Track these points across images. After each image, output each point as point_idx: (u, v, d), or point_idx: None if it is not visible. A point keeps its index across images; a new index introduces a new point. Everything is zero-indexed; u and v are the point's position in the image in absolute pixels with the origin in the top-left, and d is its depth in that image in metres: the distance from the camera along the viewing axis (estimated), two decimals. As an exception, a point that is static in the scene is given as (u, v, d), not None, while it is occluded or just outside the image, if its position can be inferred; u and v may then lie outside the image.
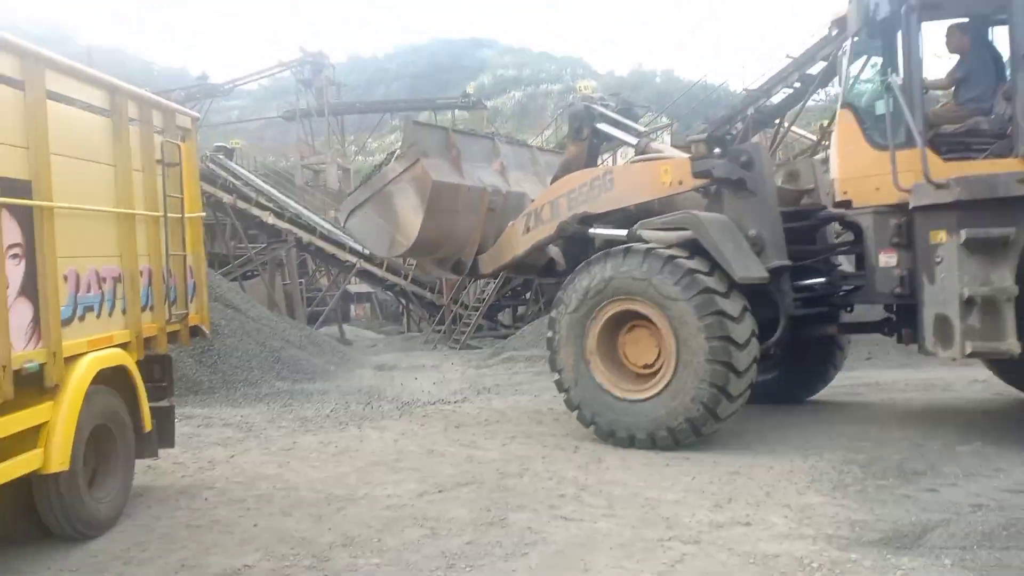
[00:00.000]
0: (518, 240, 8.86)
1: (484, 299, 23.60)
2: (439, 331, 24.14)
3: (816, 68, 14.88)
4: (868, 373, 11.22)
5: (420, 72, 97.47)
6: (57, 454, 4.67)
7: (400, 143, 10.42)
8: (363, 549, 4.72)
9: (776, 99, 16.61)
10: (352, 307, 37.95)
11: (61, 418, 4.72)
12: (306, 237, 24.99)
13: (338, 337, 24.25)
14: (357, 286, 31.95)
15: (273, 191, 30.55)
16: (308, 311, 26.80)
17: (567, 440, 7.46)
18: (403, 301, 27.73)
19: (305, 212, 28.07)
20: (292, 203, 29.24)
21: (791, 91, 15.84)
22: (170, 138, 6.31)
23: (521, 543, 4.71)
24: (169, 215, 6.16)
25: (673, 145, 11.66)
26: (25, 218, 4.54)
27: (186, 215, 6.48)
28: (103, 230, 5.42)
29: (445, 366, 17.33)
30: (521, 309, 26.75)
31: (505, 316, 26.84)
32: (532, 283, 24.74)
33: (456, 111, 47.35)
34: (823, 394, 9.26)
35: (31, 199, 4.56)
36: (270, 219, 24.66)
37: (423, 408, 9.99)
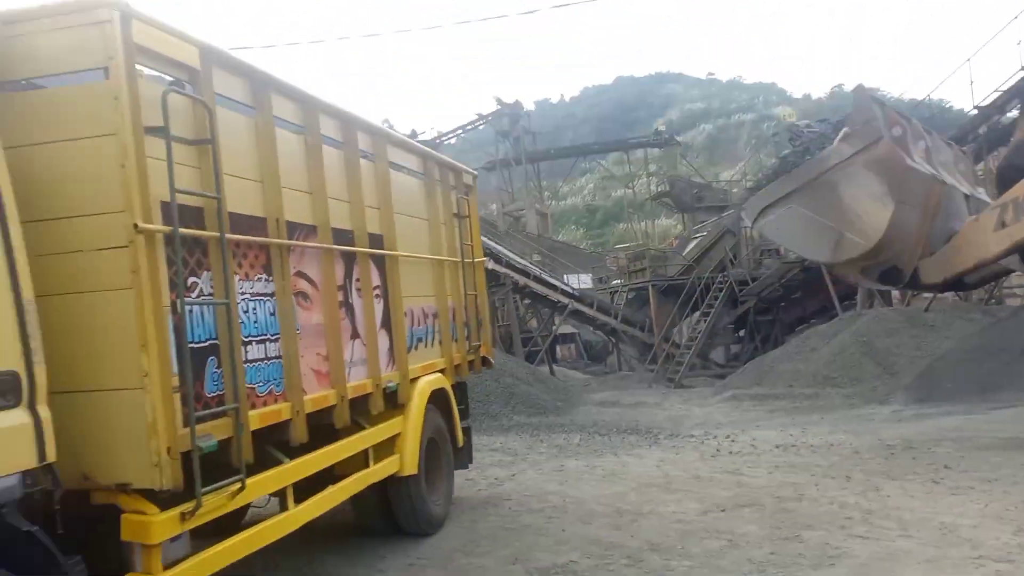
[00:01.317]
0: (987, 239, 7.25)
1: (696, 337, 23.57)
2: (651, 370, 24.34)
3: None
4: None
5: (606, 114, 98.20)
6: (409, 460, 5.56)
7: (847, 123, 8.32)
8: (671, 553, 5.17)
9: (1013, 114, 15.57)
10: (557, 348, 38.97)
11: (410, 429, 5.62)
12: (521, 280, 26.23)
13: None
14: (562, 327, 32.95)
15: (486, 239, 32.36)
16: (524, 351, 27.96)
17: (834, 470, 7.51)
18: (613, 340, 28.20)
19: (517, 258, 29.49)
20: (505, 249, 30.82)
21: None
22: (461, 194, 7.29)
23: (824, 556, 4.95)
24: (464, 260, 7.10)
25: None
26: (381, 265, 5.53)
27: (474, 260, 7.41)
28: (423, 274, 6.38)
29: (667, 403, 17.53)
30: (735, 348, 26.33)
31: (717, 355, 26.53)
32: (746, 321, 24.43)
33: (648, 149, 47.57)
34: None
35: (384, 250, 5.55)
36: (490, 264, 26.18)
37: (670, 440, 10.34)
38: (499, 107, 48.66)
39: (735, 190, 39.55)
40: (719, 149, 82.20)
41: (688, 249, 26.56)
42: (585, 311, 25.59)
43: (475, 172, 8.16)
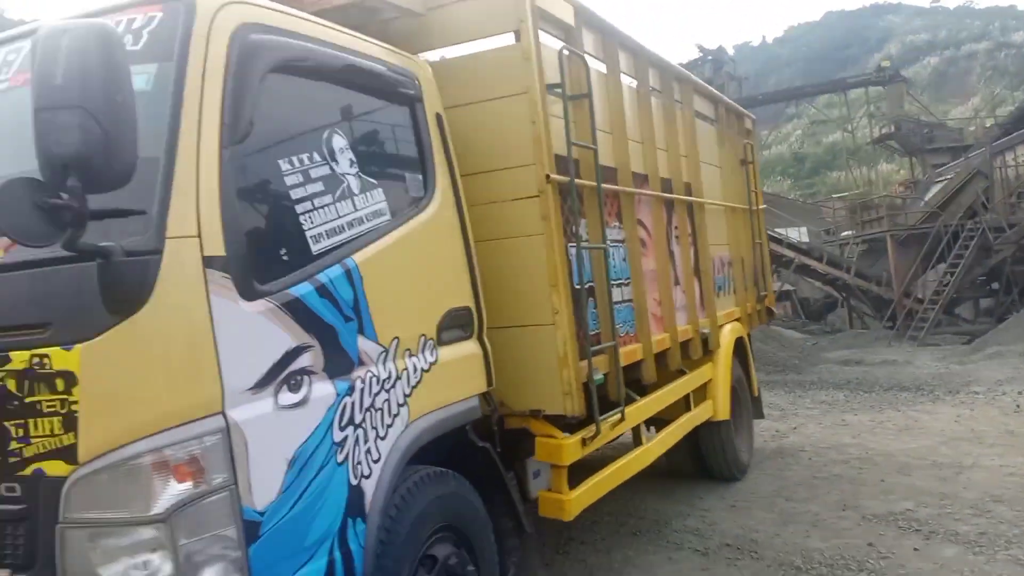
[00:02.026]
0: None
1: (942, 292, 21.69)
2: (889, 327, 22.74)
3: None
4: None
5: (814, 54, 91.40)
6: (722, 405, 5.65)
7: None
8: (1018, 504, 4.88)
9: None
10: (774, 307, 37.42)
11: (721, 376, 5.70)
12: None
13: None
14: (776, 284, 31.52)
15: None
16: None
17: None
18: (843, 296, 26.59)
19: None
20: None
21: None
22: (745, 139, 7.17)
23: None
24: (751, 208, 7.01)
25: None
26: (691, 214, 5.60)
27: (758, 207, 7.29)
28: (719, 223, 6.38)
29: (918, 361, 16.37)
30: (984, 302, 24.02)
31: (965, 311, 24.31)
32: (1001, 272, 22.11)
33: (868, 88, 43.68)
34: None
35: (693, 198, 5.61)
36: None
37: (951, 396, 9.67)
38: (701, 54, 46.86)
39: (971, 128, 35.60)
40: (947, 84, 74.17)
41: (930, 195, 24.41)
42: (814, 266, 24.31)
43: (754, 116, 7.97)
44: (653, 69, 5.01)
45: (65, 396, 2.05)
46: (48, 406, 2.07)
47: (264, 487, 2.20)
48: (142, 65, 2.21)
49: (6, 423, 2.12)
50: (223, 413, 2.13)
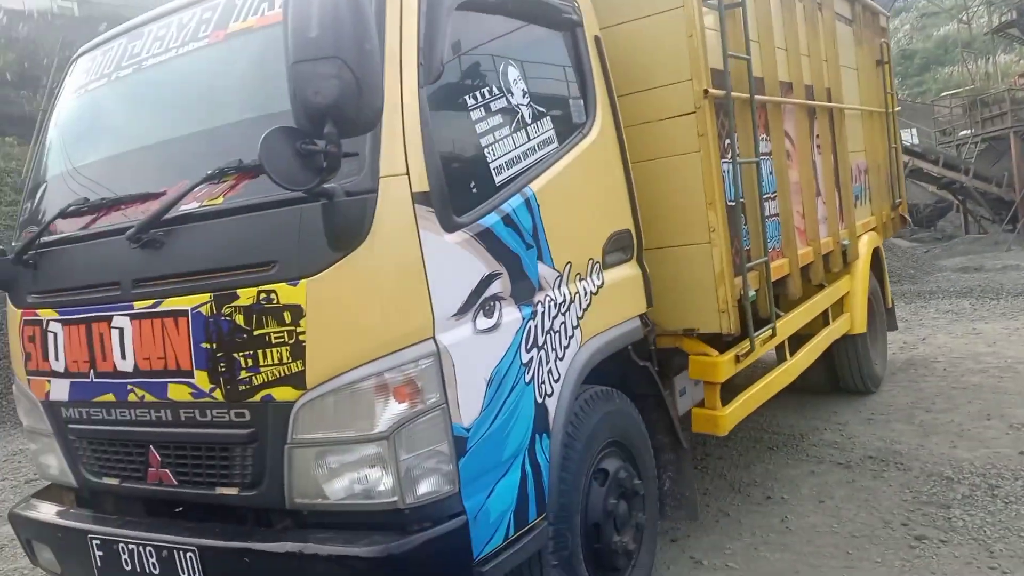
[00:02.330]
0: None
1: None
2: (1010, 230, 21.47)
3: None
4: None
5: None
6: (859, 319, 5.55)
7: None
8: None
9: None
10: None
11: (858, 288, 5.58)
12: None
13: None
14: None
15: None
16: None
17: None
18: (960, 199, 25.15)
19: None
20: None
21: None
22: (880, 38, 6.76)
23: None
24: (885, 111, 6.67)
25: None
26: (831, 121, 5.37)
27: (894, 110, 6.92)
28: (856, 128, 6.10)
29: (1045, 266, 15.50)
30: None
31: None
32: None
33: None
34: None
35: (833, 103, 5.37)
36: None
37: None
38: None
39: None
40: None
41: (1060, 86, 22.54)
42: (928, 168, 23.01)
43: (888, 13, 7.48)
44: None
45: (293, 327, 2.22)
46: (276, 337, 2.24)
47: (469, 406, 2.34)
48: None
49: (235, 354, 2.31)
50: (434, 338, 2.26)
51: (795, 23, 4.58)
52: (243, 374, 2.31)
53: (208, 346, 2.34)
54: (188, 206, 2.39)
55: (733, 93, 3.60)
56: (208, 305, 2.33)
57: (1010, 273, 14.67)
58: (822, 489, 4.30)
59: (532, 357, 2.63)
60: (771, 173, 4.22)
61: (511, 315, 2.56)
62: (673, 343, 3.63)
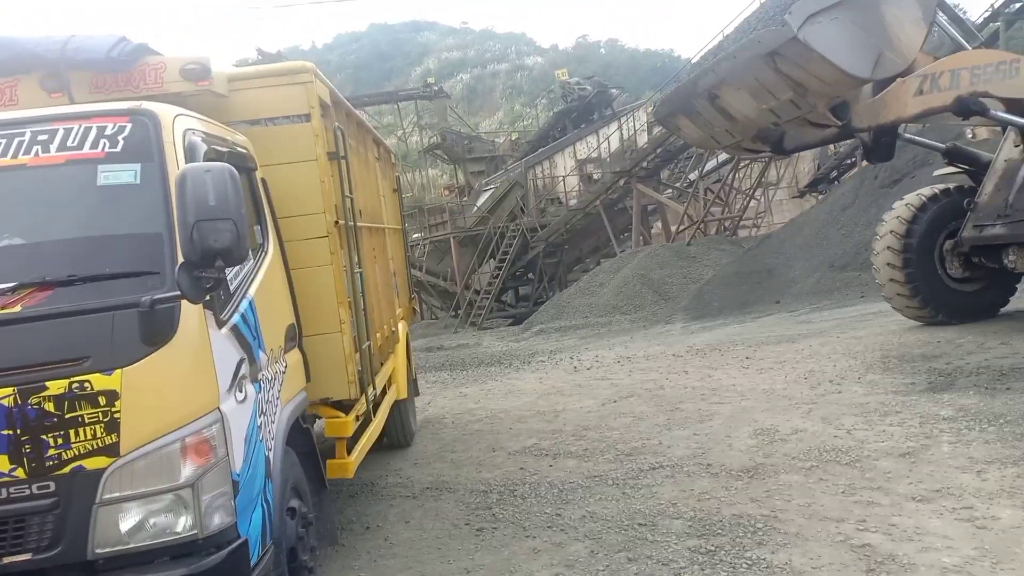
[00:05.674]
0: (908, 101, 8.04)
1: (494, 283, 26.18)
2: (455, 316, 26.65)
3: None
4: None
5: (362, 62, 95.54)
6: (402, 387, 7.24)
7: None
8: (600, 429, 7.38)
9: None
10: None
11: (400, 363, 7.31)
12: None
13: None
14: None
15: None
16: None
17: (672, 368, 10.21)
18: (416, 291, 29.99)
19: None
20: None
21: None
22: (394, 172, 8.82)
23: (702, 415, 7.43)
24: (402, 227, 8.70)
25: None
26: (381, 237, 7.04)
27: (404, 226, 9.02)
28: (389, 242, 7.92)
29: (485, 343, 19.84)
30: (524, 289, 29.31)
31: (508, 297, 29.44)
32: (535, 265, 27.51)
33: (419, 101, 48.17)
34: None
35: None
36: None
37: (526, 365, 12.63)
38: (260, 58, 47.15)
39: (499, 139, 42.43)
40: (477, 99, 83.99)
41: (481, 201, 29.00)
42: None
43: (394, 151, 9.57)
44: (354, 124, 6.34)
45: (108, 408, 2.79)
46: (91, 417, 2.78)
47: (238, 457, 3.16)
48: (126, 164, 3.00)
49: (43, 436, 2.75)
50: (219, 408, 3.05)
51: (366, 166, 6.14)
52: (51, 452, 2.75)
53: (9, 432, 2.72)
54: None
55: (340, 221, 4.93)
56: (11, 397, 2.72)
57: (465, 350, 18.45)
58: (403, 514, 5.72)
59: (262, 421, 3.51)
60: (363, 278, 5.62)
61: (251, 390, 3.42)
62: (312, 410, 4.70)
